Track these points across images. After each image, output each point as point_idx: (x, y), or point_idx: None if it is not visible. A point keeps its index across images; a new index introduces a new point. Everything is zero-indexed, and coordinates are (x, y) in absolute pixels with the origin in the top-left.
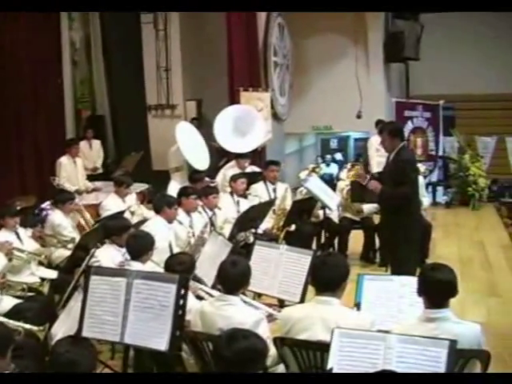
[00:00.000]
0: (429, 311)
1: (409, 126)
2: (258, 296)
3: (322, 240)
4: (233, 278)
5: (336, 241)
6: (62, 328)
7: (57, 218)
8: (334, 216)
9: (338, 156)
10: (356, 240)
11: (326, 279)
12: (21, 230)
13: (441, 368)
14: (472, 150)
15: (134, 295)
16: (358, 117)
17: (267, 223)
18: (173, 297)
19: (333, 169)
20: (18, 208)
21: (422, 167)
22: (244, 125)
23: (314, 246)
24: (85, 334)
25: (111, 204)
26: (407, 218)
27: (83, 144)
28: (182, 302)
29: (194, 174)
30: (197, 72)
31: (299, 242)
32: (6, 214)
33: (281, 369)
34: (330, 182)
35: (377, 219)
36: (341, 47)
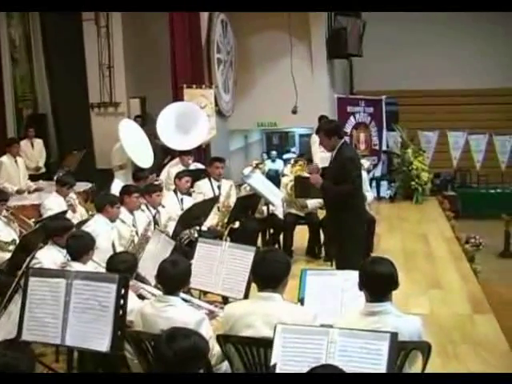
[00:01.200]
0: (370, 305)
1: (351, 121)
2: (203, 294)
3: (267, 236)
4: (173, 278)
5: (281, 237)
6: (1, 331)
7: None
8: (279, 212)
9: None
10: (301, 235)
11: (267, 275)
12: None
13: (383, 360)
14: (415, 145)
15: (73, 296)
16: (294, 112)
17: (212, 220)
18: (113, 297)
19: (278, 165)
20: None
21: (366, 162)
22: (187, 122)
23: (259, 242)
24: (25, 337)
25: (52, 204)
26: (351, 213)
27: (25, 143)
28: (122, 301)
29: (137, 172)
30: (140, 69)
31: (244, 238)
32: None
33: (225, 366)
34: (276, 178)
35: (321, 214)
36: (284, 44)
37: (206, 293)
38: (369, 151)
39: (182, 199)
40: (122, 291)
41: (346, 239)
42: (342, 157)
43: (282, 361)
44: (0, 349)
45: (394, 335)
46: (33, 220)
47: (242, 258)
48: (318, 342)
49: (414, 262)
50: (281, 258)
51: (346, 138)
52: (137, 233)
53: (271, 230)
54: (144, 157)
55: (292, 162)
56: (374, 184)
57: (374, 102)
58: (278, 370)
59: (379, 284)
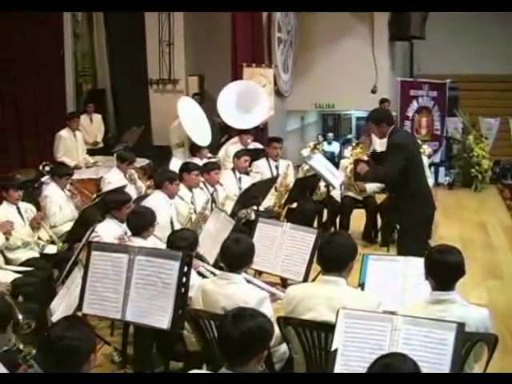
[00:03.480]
0: (436, 293)
1: (414, 105)
2: (258, 274)
3: (324, 218)
4: (236, 256)
5: (337, 219)
6: (61, 304)
7: (48, 189)
8: (336, 194)
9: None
10: (358, 219)
11: (332, 258)
12: (22, 205)
13: (448, 351)
14: (476, 131)
15: (135, 272)
16: (373, 92)
17: (269, 200)
18: (175, 274)
19: (334, 147)
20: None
21: (427, 149)
22: (248, 101)
23: (315, 224)
24: (85, 310)
25: (113, 178)
26: (409, 200)
27: (84, 118)
28: (184, 279)
29: (193, 148)
30: (199, 47)
31: (301, 219)
32: (10, 187)
33: (283, 348)
34: (332, 160)
35: (379, 199)
36: (345, 25)
37: (260, 273)
38: (430, 136)
39: (240, 178)
40: (185, 269)
41: (402, 225)
42: (390, 142)
43: (344, 346)
44: (58, 330)
45: (461, 325)
46: (94, 196)
47: (303, 239)
48: (381, 329)
49: (472, 252)
50: (347, 242)
51: (408, 123)
52: (195, 210)
53: (329, 213)
54: (202, 135)
55: (354, 144)
56: (432, 170)
57: (438, 86)
58: (338, 356)
59: (446, 273)
